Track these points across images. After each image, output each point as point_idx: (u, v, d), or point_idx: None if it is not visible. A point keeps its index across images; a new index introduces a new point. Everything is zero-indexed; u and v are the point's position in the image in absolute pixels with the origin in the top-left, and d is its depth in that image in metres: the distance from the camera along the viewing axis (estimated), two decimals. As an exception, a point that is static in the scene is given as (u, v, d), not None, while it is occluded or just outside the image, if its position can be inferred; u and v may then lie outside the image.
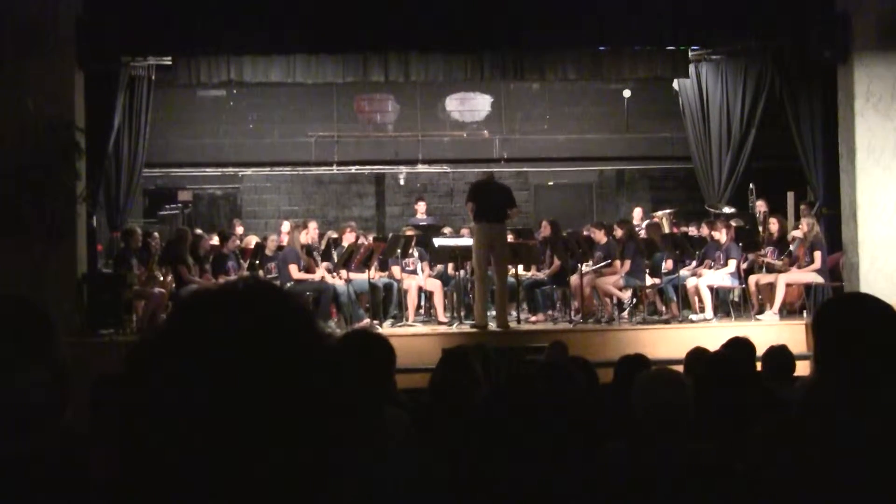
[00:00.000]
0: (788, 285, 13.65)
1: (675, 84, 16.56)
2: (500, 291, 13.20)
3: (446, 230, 16.18)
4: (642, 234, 15.17)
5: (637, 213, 17.19)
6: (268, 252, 14.82)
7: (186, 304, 1.32)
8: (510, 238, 14.85)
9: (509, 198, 13.15)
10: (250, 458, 1.21)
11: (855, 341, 2.58)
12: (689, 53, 15.57)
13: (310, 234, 14.47)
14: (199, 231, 15.22)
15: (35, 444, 2.06)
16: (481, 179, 13.56)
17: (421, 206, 17.56)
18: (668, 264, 14.41)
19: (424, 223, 16.56)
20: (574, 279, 14.02)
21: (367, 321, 13.53)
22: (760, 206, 15.31)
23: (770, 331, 11.90)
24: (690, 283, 13.85)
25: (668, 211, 16.96)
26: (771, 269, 14.05)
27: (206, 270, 13.89)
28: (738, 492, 2.81)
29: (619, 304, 14.29)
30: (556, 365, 5.44)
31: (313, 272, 13.96)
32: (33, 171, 12.21)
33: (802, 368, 7.35)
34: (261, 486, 1.22)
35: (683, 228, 15.67)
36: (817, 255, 13.44)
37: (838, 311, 2.77)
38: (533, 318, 14.47)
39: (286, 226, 16.12)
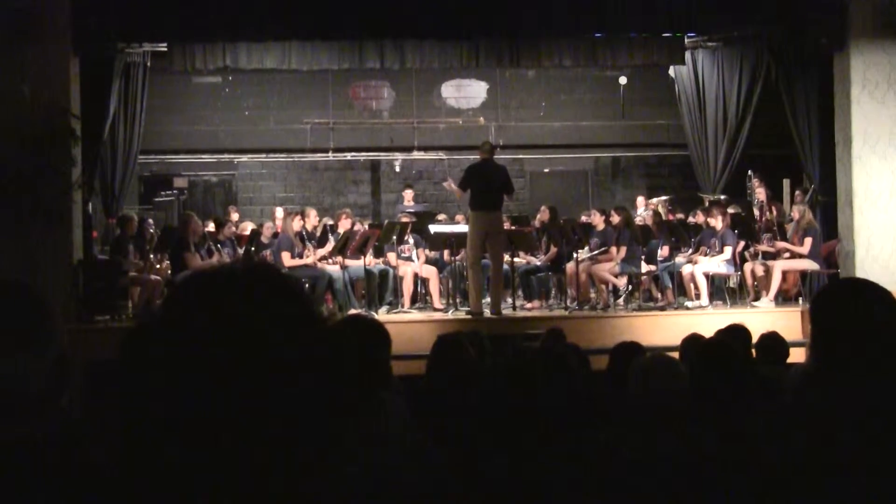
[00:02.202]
0: (784, 272, 13.67)
1: (672, 71, 16.55)
2: (496, 279, 13.20)
3: (440, 217, 16.18)
4: (641, 221, 15.17)
5: (640, 201, 17.22)
6: (263, 239, 14.82)
7: (183, 287, 1.32)
8: (506, 225, 14.88)
9: (507, 182, 13.09)
10: (248, 440, 1.21)
11: (852, 327, 2.58)
12: (686, 40, 15.55)
13: (310, 222, 14.45)
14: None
15: (32, 430, 2.06)
16: (477, 162, 13.37)
17: (408, 194, 17.57)
18: (663, 251, 14.42)
19: (412, 210, 16.55)
20: (570, 266, 14.03)
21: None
22: (760, 194, 15.30)
23: (766, 318, 11.92)
24: (686, 270, 13.86)
25: (663, 198, 16.98)
26: (767, 257, 14.08)
27: (202, 257, 13.87)
28: (735, 478, 2.82)
29: (615, 291, 14.30)
30: (553, 352, 5.44)
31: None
32: (29, 157, 12.18)
33: (798, 355, 7.38)
34: (258, 469, 1.21)
35: (679, 215, 15.68)
36: (808, 240, 13.48)
37: (835, 296, 2.77)
38: (528, 305, 14.47)
39: (280, 212, 16.12)
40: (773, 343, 6.97)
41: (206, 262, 13.45)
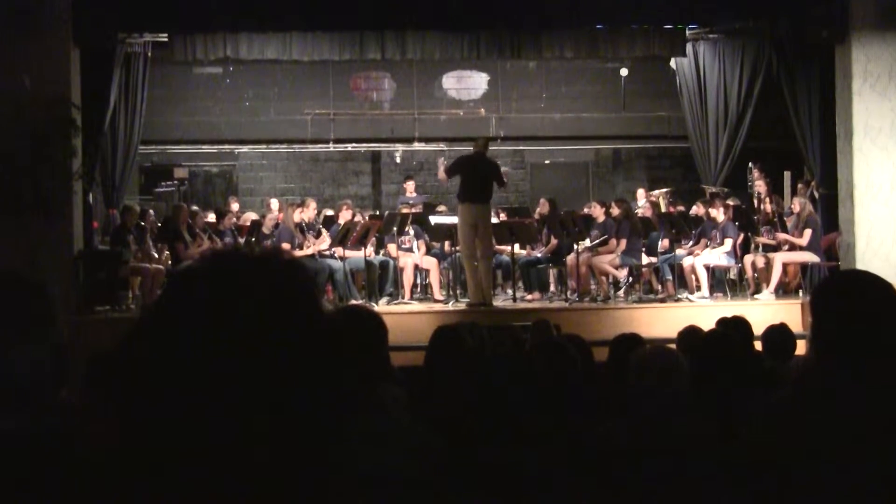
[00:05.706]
0: (785, 265, 13.68)
1: (673, 63, 16.52)
2: (485, 270, 13.21)
3: (441, 208, 16.19)
4: (641, 213, 15.18)
5: (640, 193, 17.21)
6: (265, 230, 14.81)
7: (180, 277, 1.32)
8: (504, 217, 14.90)
9: (498, 176, 13.19)
10: (246, 435, 1.20)
11: (852, 319, 2.58)
12: (687, 32, 15.54)
13: (308, 213, 14.45)
14: (194, 207, 15.20)
15: (32, 420, 2.06)
16: (470, 154, 13.49)
17: (409, 185, 17.57)
18: (664, 243, 14.41)
19: (413, 202, 16.56)
20: (570, 258, 14.03)
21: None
22: (759, 186, 15.29)
23: (766, 310, 11.94)
24: (686, 262, 13.86)
25: (664, 190, 16.97)
26: (767, 249, 14.08)
27: (200, 246, 13.86)
28: (734, 469, 2.82)
29: (615, 283, 14.30)
30: (553, 343, 5.44)
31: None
32: (29, 148, 12.17)
33: (799, 347, 7.35)
34: (257, 465, 1.21)
35: (680, 207, 15.67)
36: (807, 232, 13.45)
37: (836, 288, 2.77)
38: (529, 297, 14.47)
39: (275, 203, 16.14)
40: (781, 337, 6.85)
41: (199, 251, 13.39)
